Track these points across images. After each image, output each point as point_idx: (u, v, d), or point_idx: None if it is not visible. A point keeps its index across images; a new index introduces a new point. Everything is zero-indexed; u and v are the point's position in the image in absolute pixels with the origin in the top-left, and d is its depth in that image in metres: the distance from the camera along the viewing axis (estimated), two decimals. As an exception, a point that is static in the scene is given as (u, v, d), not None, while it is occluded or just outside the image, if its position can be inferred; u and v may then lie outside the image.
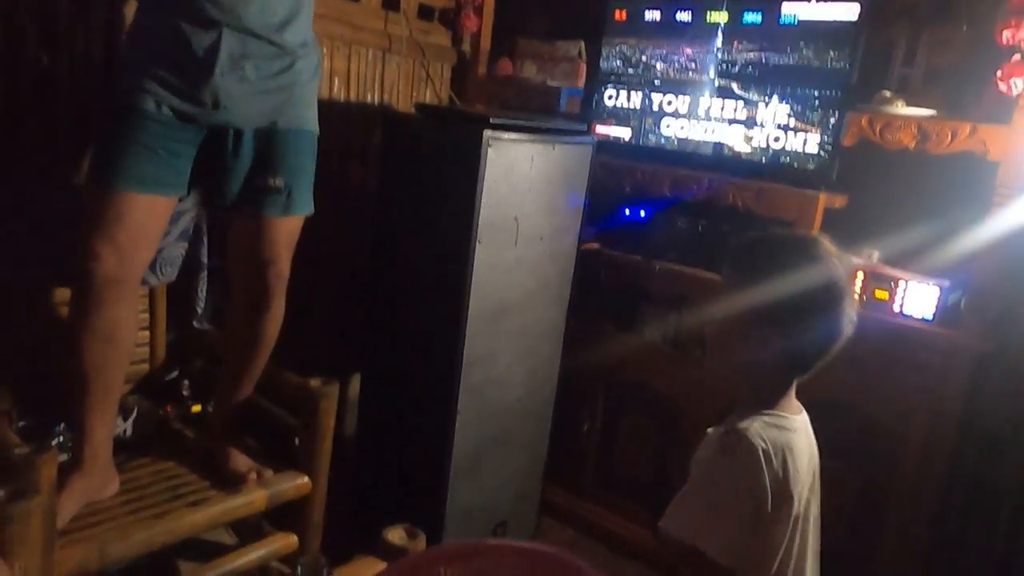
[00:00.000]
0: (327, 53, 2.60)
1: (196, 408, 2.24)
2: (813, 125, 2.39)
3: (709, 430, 1.32)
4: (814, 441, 1.36)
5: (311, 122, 1.88)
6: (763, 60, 2.49)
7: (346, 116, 2.74)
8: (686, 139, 2.68)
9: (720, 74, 2.59)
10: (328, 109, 2.76)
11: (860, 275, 2.22)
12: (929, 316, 2.12)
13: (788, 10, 2.43)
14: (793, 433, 1.28)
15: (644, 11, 2.74)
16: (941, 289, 2.12)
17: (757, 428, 1.24)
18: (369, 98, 2.81)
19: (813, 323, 1.24)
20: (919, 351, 2.13)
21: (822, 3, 2.35)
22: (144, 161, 1.61)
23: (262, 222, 1.82)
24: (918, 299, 2.13)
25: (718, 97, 2.60)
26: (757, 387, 1.32)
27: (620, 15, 2.80)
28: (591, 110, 2.88)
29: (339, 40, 2.65)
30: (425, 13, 2.95)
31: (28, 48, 1.89)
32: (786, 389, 1.32)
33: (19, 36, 1.87)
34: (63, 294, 1.89)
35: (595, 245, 2.74)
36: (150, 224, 1.67)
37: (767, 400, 1.30)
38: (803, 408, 1.36)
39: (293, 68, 1.79)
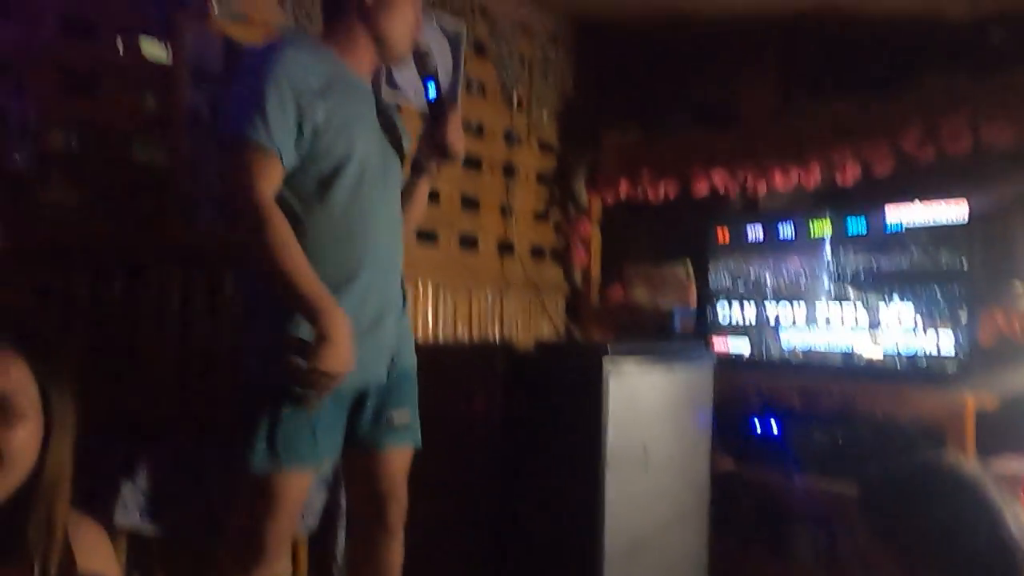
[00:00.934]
0: (451, 299, 2.82)
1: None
2: (943, 324, 2.31)
3: None
4: None
5: (414, 355, 1.93)
6: (875, 265, 2.49)
7: (469, 355, 2.88)
8: (809, 348, 2.64)
9: (833, 281, 2.60)
10: (453, 349, 2.96)
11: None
12: None
13: (893, 217, 2.47)
14: None
15: (747, 229, 2.84)
16: None
17: None
18: (490, 336, 2.97)
19: None
20: None
21: (928, 205, 2.38)
22: (310, 438, 1.64)
23: (382, 455, 1.83)
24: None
25: (835, 302, 2.58)
26: None
27: (723, 235, 2.91)
28: (706, 327, 2.91)
29: (460, 286, 2.87)
30: (537, 253, 3.18)
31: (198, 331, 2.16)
32: None
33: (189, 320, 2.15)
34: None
35: (730, 464, 2.64)
36: (305, 493, 1.74)
37: None
38: None
39: (404, 307, 1.87)
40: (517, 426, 2.47)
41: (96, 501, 1.82)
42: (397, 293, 1.83)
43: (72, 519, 1.09)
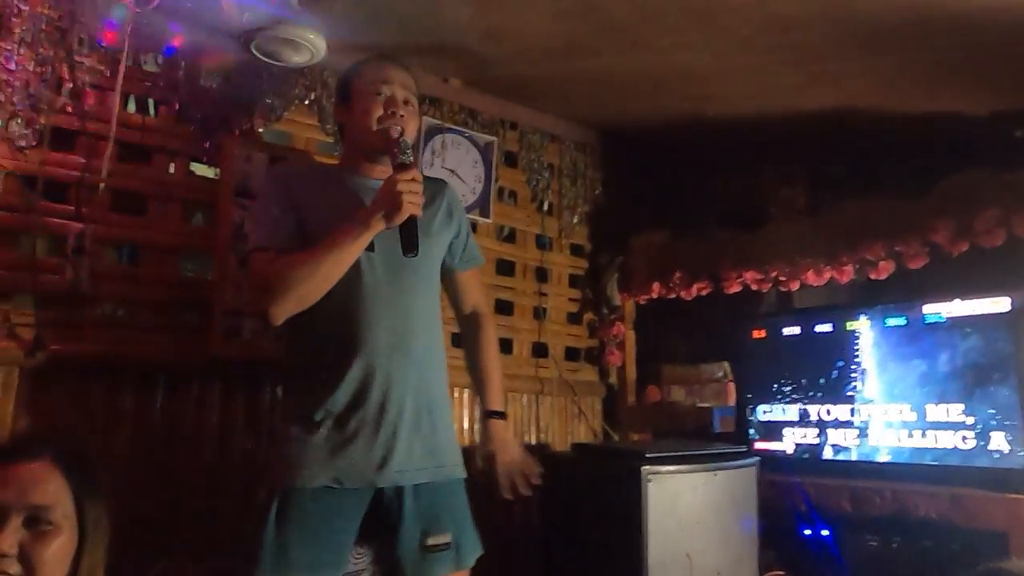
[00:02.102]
0: (486, 403, 2.81)
1: None
2: (996, 421, 2.23)
3: None
4: None
5: (461, 468, 1.81)
6: (918, 359, 2.44)
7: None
8: (855, 448, 2.56)
9: (877, 378, 2.54)
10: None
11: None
12: None
13: (931, 309, 2.43)
14: None
15: (782, 328, 2.82)
16: None
17: None
18: (527, 438, 2.94)
19: None
20: None
21: (968, 300, 2.35)
22: (311, 545, 1.59)
23: None
24: None
25: (880, 402, 2.52)
26: None
27: (759, 333, 2.89)
28: (746, 428, 2.85)
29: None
30: (571, 355, 3.18)
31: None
32: None
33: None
34: None
35: (779, 573, 2.51)
36: None
37: None
38: None
39: (445, 413, 1.80)
40: (556, 533, 2.40)
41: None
42: (427, 388, 1.74)
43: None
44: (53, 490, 1.05)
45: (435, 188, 1.87)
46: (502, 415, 1.90)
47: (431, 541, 1.73)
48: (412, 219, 1.60)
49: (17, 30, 1.94)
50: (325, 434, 1.66)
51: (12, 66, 1.93)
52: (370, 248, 1.66)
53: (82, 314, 2.00)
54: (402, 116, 1.72)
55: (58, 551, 1.03)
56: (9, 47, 1.93)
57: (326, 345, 1.68)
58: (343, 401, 1.66)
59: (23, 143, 1.93)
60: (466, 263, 1.92)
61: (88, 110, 2.04)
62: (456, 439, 1.85)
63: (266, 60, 2.18)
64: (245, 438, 2.21)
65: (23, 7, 1.96)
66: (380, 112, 1.72)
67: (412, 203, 1.58)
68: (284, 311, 1.60)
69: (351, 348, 1.66)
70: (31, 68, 1.96)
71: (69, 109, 2.02)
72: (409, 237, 1.60)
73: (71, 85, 2.02)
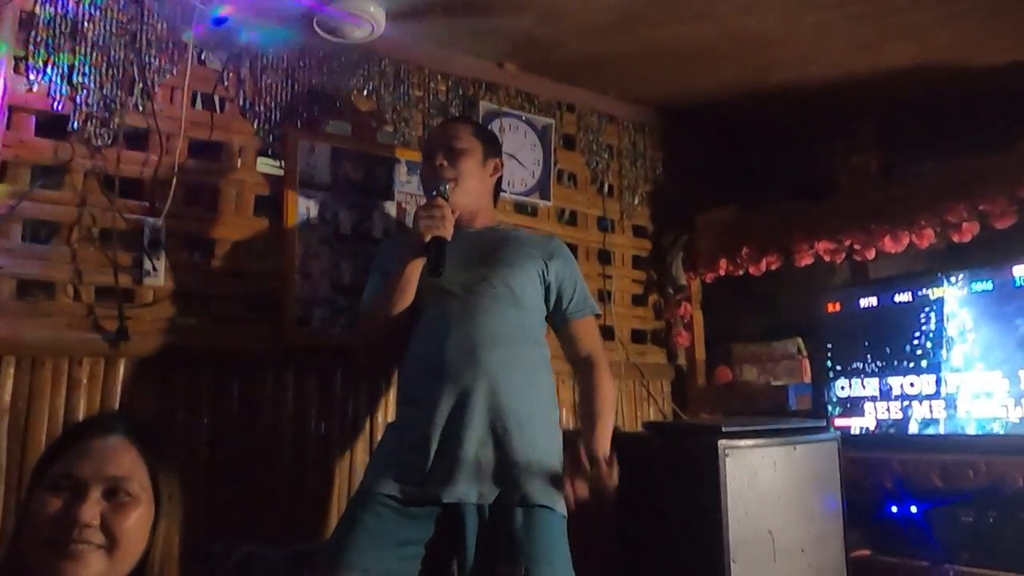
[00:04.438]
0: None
1: None
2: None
3: None
4: None
5: (548, 496, 1.73)
6: (1009, 325, 2.32)
7: (575, 444, 2.81)
8: (943, 421, 2.44)
9: (964, 346, 2.42)
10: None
11: None
12: None
13: (1022, 272, 2.31)
14: None
15: (858, 299, 2.71)
16: None
17: None
18: (596, 423, 2.90)
19: None
20: None
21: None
22: (376, 549, 1.63)
23: None
24: None
25: (969, 372, 2.40)
26: None
27: (834, 307, 2.79)
28: (824, 404, 2.75)
29: (563, 373, 2.83)
30: (638, 337, 3.13)
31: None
32: None
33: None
34: None
35: (866, 552, 2.42)
36: None
37: None
38: None
39: (535, 437, 1.76)
40: (630, 514, 2.36)
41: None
42: (506, 410, 1.74)
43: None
44: (129, 462, 1.09)
45: (542, 237, 2.12)
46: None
47: (501, 570, 1.68)
48: (436, 242, 1.71)
49: (90, 35, 2.02)
50: (397, 445, 1.78)
51: (87, 69, 2.01)
52: (448, 274, 1.75)
53: (160, 306, 2.06)
54: (441, 165, 1.88)
55: (137, 521, 1.07)
56: (84, 52, 2.00)
57: (413, 364, 1.84)
58: (416, 416, 1.75)
59: (99, 143, 2.01)
60: (579, 311, 1.97)
61: (158, 109, 2.10)
62: (552, 465, 1.79)
63: (329, 37, 2.22)
64: (319, 422, 2.24)
65: (95, 13, 2.03)
66: (429, 170, 1.93)
67: (428, 227, 1.71)
68: (365, 339, 1.95)
69: (428, 367, 1.77)
70: (104, 71, 2.03)
71: (141, 108, 2.08)
72: (432, 258, 1.71)
73: (141, 85, 2.08)
